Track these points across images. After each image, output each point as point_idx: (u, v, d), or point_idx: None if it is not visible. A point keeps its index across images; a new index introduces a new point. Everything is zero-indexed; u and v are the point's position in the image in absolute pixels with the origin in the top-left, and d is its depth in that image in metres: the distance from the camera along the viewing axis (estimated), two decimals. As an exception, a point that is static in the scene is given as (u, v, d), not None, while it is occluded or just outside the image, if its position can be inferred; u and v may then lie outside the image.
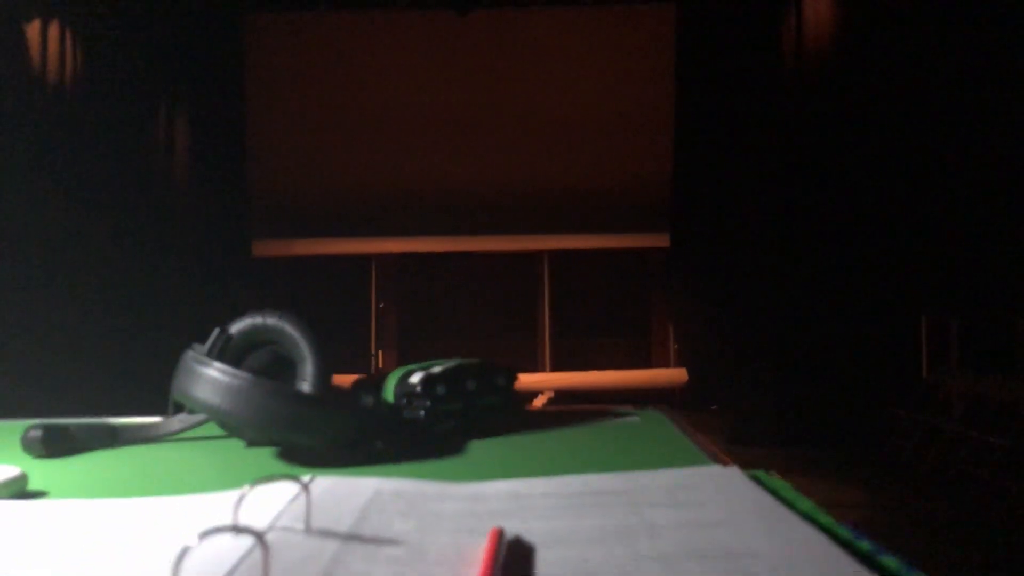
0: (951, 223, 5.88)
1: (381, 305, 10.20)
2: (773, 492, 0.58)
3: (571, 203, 9.48)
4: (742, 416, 6.79)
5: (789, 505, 0.55)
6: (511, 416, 0.94)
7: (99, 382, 6.68)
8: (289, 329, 0.88)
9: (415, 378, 0.88)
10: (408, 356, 10.52)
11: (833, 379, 6.36)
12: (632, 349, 10.19)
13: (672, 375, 9.18)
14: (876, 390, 6.11)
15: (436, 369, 0.90)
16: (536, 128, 9.29)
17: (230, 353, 0.87)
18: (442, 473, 0.75)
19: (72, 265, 6.60)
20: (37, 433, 0.86)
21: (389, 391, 0.90)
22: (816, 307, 6.49)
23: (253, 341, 0.89)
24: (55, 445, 0.86)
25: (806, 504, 0.55)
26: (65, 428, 0.88)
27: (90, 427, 0.90)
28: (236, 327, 0.88)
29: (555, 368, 9.84)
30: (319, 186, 9.69)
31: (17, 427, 1.03)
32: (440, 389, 0.88)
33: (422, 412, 0.87)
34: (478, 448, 0.84)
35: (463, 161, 9.46)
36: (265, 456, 0.84)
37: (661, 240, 9.30)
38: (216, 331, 0.86)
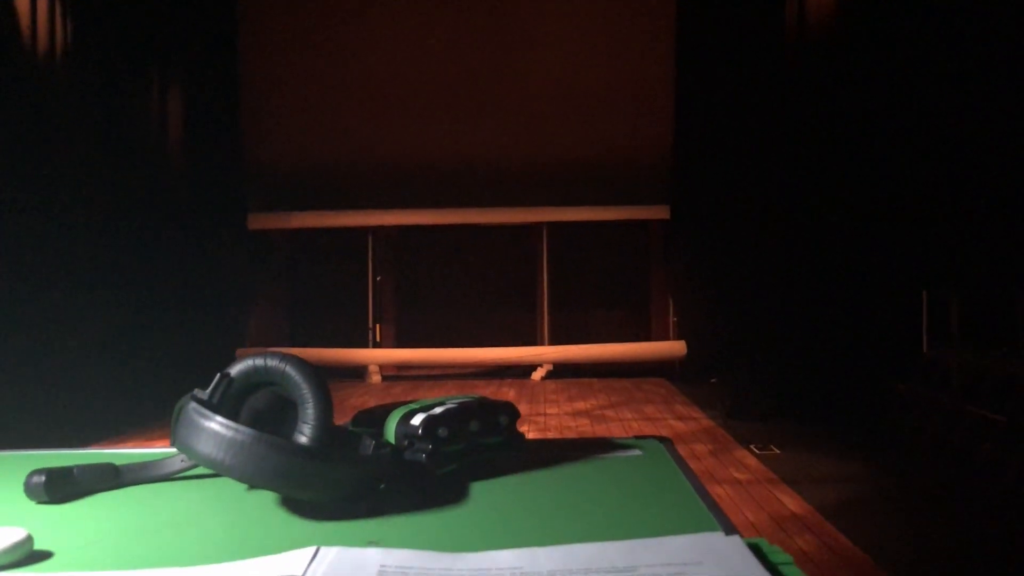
0: (953, 200, 5.86)
1: (378, 278, 10.19)
2: (773, 568, 0.58)
3: (570, 175, 9.43)
4: (741, 390, 6.82)
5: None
6: (513, 455, 0.94)
7: (97, 359, 6.69)
8: (290, 371, 0.87)
9: (416, 420, 0.88)
10: (406, 330, 10.54)
11: (833, 354, 6.38)
12: (631, 321, 10.21)
13: (671, 348, 9.20)
14: (876, 365, 6.14)
15: (438, 410, 0.90)
16: (535, 99, 9.21)
17: (231, 397, 0.87)
18: (445, 526, 0.75)
19: (64, 241, 6.57)
20: (40, 479, 0.86)
21: (390, 432, 0.90)
22: (817, 281, 6.49)
23: (254, 383, 0.89)
24: (58, 490, 0.86)
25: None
26: (68, 471, 0.88)
27: (92, 469, 0.90)
28: (237, 369, 0.88)
29: (553, 341, 9.86)
30: (315, 159, 9.63)
31: (18, 459, 1.03)
32: (442, 431, 0.88)
33: (423, 455, 0.87)
34: (480, 492, 0.85)
35: (462, 133, 9.39)
36: (267, 500, 0.84)
37: (661, 212, 9.27)
38: (217, 376, 0.86)
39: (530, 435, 5.35)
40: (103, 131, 7.14)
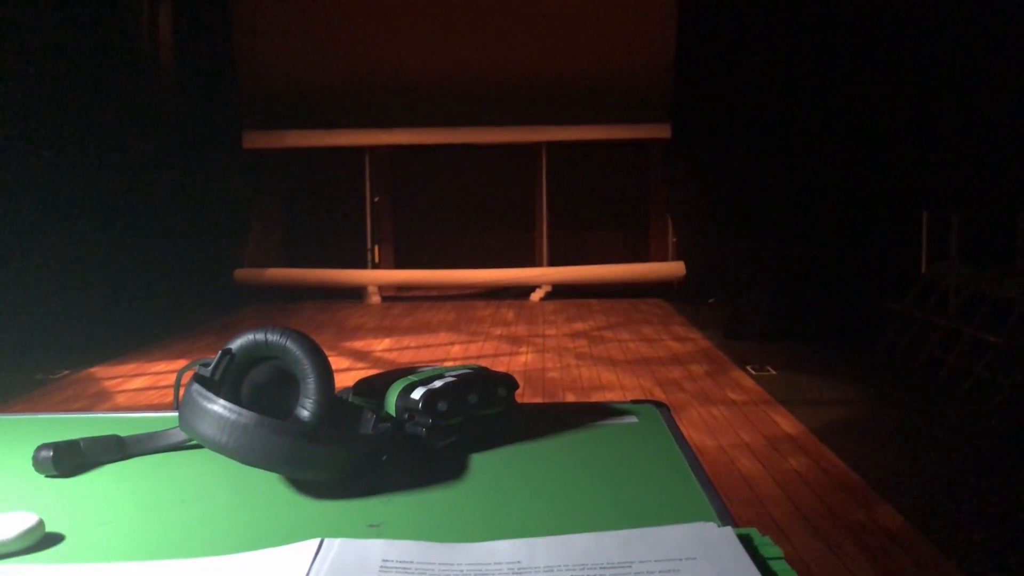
0: (955, 119, 5.78)
1: (376, 199, 10.13)
2: (763, 563, 0.60)
3: (571, 93, 9.27)
4: (738, 310, 6.86)
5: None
6: (511, 426, 0.95)
7: (95, 282, 6.71)
8: (291, 346, 0.88)
9: (416, 394, 0.90)
10: (405, 251, 10.54)
11: (831, 274, 6.41)
12: (631, 242, 10.21)
13: (670, 268, 9.22)
14: (874, 285, 6.17)
15: (437, 384, 0.91)
16: (536, 15, 8.97)
17: (233, 372, 0.88)
18: (445, 507, 0.77)
19: (57, 164, 6.51)
20: (48, 453, 0.87)
21: (391, 404, 0.92)
22: (817, 202, 6.47)
23: (255, 357, 0.90)
24: (65, 463, 0.88)
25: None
26: (75, 444, 0.90)
27: (98, 441, 0.92)
28: (237, 344, 0.89)
29: (552, 261, 9.87)
30: (311, 76, 9.45)
31: (22, 424, 1.05)
32: (442, 405, 0.89)
33: (423, 429, 0.88)
34: (479, 467, 0.86)
35: (460, 49, 9.18)
36: (271, 473, 0.86)
37: (662, 131, 9.15)
38: (219, 353, 0.87)
39: (529, 356, 5.36)
40: (93, 48, 6.98)
